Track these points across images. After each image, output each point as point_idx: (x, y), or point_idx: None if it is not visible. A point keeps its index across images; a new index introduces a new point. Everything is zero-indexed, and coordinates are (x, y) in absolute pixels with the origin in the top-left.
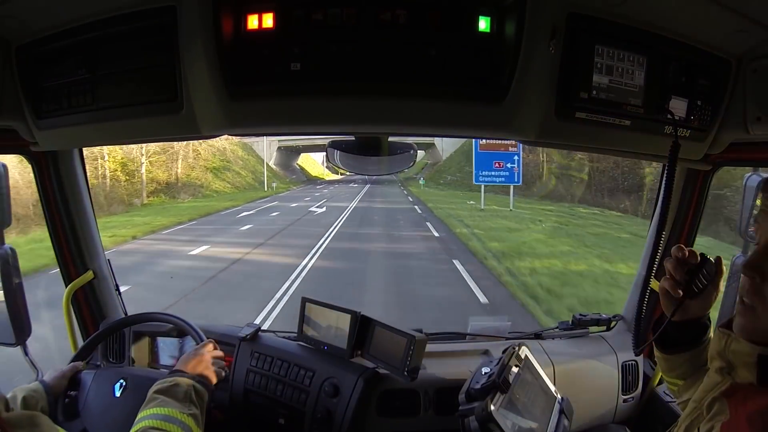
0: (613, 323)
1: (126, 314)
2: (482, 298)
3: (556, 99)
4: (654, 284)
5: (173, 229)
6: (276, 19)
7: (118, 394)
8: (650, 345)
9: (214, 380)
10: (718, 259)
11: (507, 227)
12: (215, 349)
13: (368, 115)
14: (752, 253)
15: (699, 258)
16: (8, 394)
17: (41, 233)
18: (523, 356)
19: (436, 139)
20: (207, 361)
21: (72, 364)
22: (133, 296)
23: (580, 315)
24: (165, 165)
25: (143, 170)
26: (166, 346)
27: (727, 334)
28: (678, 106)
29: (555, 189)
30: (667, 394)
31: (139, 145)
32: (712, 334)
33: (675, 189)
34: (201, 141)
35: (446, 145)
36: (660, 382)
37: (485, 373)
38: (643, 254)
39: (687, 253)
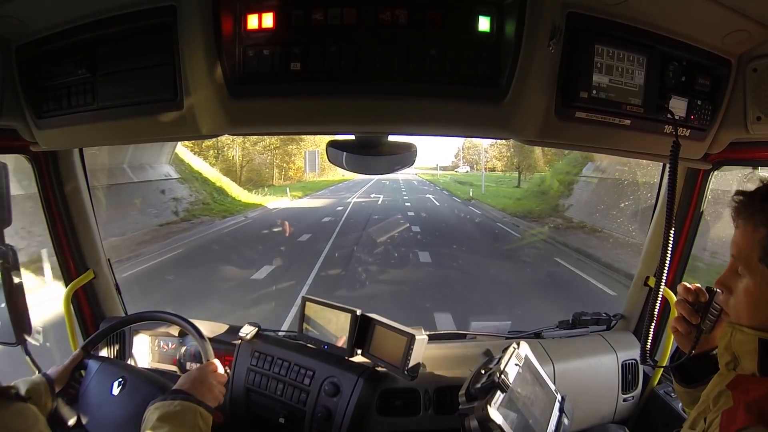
0: (613, 322)
1: (126, 313)
2: None
3: (556, 98)
4: (650, 281)
5: None
6: (276, 19)
7: (115, 392)
8: (652, 343)
9: (216, 403)
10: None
11: None
12: (216, 369)
13: (368, 114)
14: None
15: (708, 294)
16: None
17: None
18: (523, 355)
19: None
20: (211, 383)
21: (72, 356)
22: None
23: (581, 314)
24: None
25: None
26: (166, 346)
27: (732, 326)
28: (678, 106)
29: None
30: (668, 394)
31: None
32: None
33: (676, 188)
34: None
35: None
36: (660, 382)
37: (485, 372)
38: (643, 254)
39: (696, 294)
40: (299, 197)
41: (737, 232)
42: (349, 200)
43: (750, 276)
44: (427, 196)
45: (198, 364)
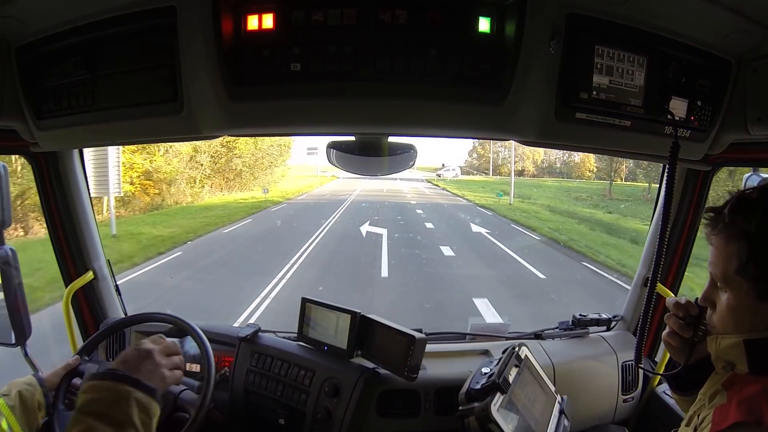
0: (613, 323)
1: (126, 314)
2: None
3: (556, 99)
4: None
5: None
6: (276, 20)
7: None
8: (651, 344)
9: (166, 385)
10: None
11: None
12: (166, 345)
13: (368, 115)
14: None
15: (698, 307)
16: (3, 388)
17: None
18: (523, 356)
19: None
20: (155, 360)
21: (67, 361)
22: None
23: (581, 315)
24: None
25: None
26: None
27: (716, 336)
28: (678, 107)
29: None
30: (667, 394)
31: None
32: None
33: (675, 189)
34: None
35: None
36: (660, 383)
37: (485, 373)
38: (643, 255)
39: (686, 307)
40: None
41: (712, 250)
42: None
43: (729, 289)
44: None
45: (198, 365)
